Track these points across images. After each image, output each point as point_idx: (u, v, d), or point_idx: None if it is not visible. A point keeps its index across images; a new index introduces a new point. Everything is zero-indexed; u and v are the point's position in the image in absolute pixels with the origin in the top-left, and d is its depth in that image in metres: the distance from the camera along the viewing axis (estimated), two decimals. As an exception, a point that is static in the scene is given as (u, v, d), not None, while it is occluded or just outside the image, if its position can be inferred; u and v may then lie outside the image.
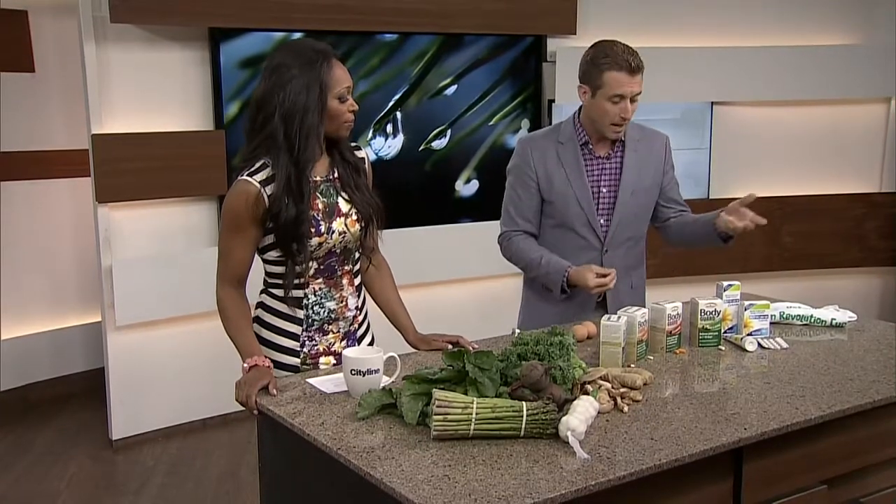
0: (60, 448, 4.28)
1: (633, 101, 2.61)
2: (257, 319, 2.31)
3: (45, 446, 4.31)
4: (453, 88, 4.83)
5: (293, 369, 2.28)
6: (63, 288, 4.98)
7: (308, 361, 2.30)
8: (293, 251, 2.20)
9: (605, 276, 2.57)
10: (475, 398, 1.81)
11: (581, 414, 1.78)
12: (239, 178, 2.17)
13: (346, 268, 2.32)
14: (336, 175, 2.29)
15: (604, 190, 2.74)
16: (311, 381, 2.14)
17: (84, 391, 4.91)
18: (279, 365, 2.25)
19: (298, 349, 2.29)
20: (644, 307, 2.39)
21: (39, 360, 4.89)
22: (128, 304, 4.17)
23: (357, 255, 2.36)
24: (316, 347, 2.30)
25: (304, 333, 2.29)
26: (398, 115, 4.72)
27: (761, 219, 2.57)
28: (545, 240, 2.79)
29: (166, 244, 4.35)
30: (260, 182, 2.15)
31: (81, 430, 4.48)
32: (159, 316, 4.31)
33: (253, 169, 2.16)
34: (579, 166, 2.72)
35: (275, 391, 2.04)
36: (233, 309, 2.23)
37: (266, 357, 2.16)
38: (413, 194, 4.82)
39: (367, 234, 2.34)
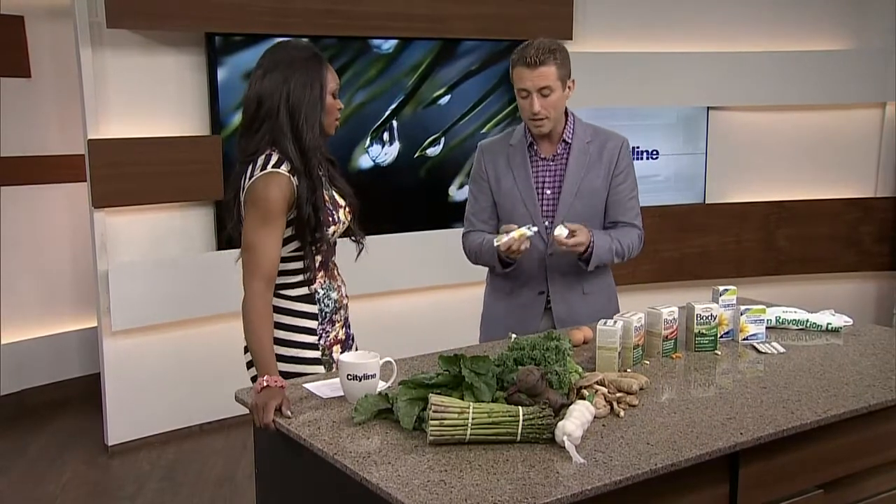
0: (56, 453, 4.27)
1: (544, 95, 2.61)
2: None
3: (40, 451, 4.30)
4: (447, 98, 4.88)
5: (315, 362, 2.34)
6: (59, 293, 4.97)
7: (326, 353, 2.37)
8: (314, 239, 2.27)
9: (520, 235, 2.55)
10: (471, 403, 1.81)
11: (577, 418, 1.78)
12: (264, 171, 2.21)
13: (333, 259, 2.43)
14: (322, 171, 2.38)
15: (547, 191, 2.74)
16: (307, 385, 2.14)
17: (80, 396, 4.90)
18: (302, 360, 2.30)
19: (317, 342, 2.35)
20: (612, 317, 2.30)
21: (35, 365, 4.88)
22: (124, 309, 4.17)
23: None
24: (329, 338, 2.38)
25: (320, 326, 2.36)
26: (394, 123, 4.76)
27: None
28: None
29: (162, 249, 4.34)
30: (288, 172, 2.22)
31: (77, 435, 4.46)
32: (155, 321, 4.30)
33: (274, 161, 2.23)
34: (525, 168, 2.74)
35: (289, 412, 1.96)
36: (261, 315, 2.19)
37: (279, 377, 2.08)
38: (408, 200, 4.87)
39: (355, 222, 2.45)
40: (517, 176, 2.75)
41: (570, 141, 2.73)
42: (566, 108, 2.75)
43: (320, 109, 2.29)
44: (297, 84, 2.25)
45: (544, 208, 2.74)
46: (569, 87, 2.67)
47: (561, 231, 2.53)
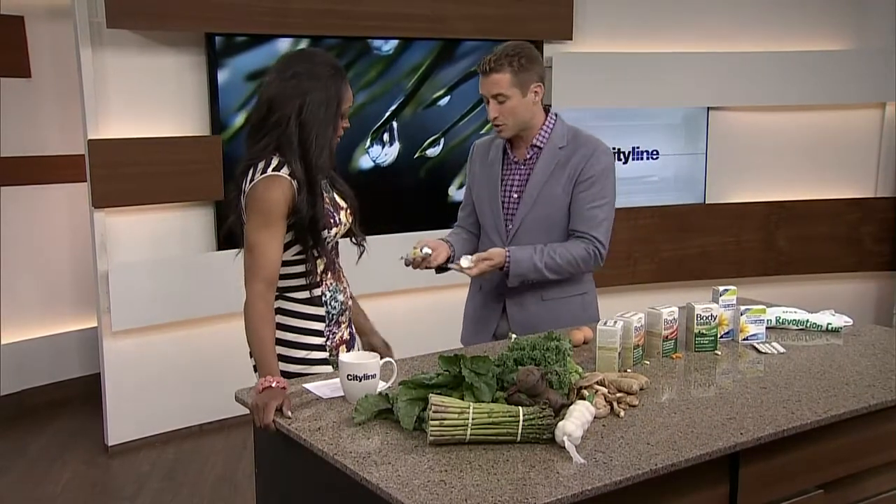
0: (56, 453, 4.27)
1: (500, 102, 2.59)
2: (278, 325, 2.32)
3: (40, 451, 4.30)
4: (447, 99, 4.89)
5: (323, 362, 2.34)
6: (59, 293, 4.97)
7: (333, 353, 2.37)
8: (315, 242, 2.27)
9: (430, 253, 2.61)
10: (471, 403, 1.81)
11: (577, 419, 1.78)
12: (264, 175, 2.20)
13: (338, 260, 2.43)
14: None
15: (514, 195, 2.73)
16: (307, 386, 2.14)
17: (80, 396, 4.90)
18: (309, 361, 2.31)
19: (325, 343, 2.36)
20: (594, 323, 2.30)
21: (35, 365, 4.88)
22: (123, 310, 4.17)
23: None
24: (335, 339, 2.38)
25: (327, 328, 2.36)
26: (394, 124, 4.78)
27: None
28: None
29: (162, 249, 4.34)
30: (288, 176, 2.21)
31: (77, 436, 4.47)
32: (155, 321, 4.30)
33: (274, 165, 2.21)
34: (496, 169, 2.75)
35: (290, 413, 1.95)
36: (262, 316, 2.19)
37: (280, 378, 2.08)
38: (408, 200, 4.89)
39: (356, 224, 2.44)
40: (489, 177, 2.77)
41: (541, 146, 2.70)
42: (549, 111, 2.73)
43: (332, 132, 2.25)
44: (315, 101, 2.21)
45: (507, 211, 2.73)
46: (534, 93, 2.62)
47: (463, 262, 2.57)
